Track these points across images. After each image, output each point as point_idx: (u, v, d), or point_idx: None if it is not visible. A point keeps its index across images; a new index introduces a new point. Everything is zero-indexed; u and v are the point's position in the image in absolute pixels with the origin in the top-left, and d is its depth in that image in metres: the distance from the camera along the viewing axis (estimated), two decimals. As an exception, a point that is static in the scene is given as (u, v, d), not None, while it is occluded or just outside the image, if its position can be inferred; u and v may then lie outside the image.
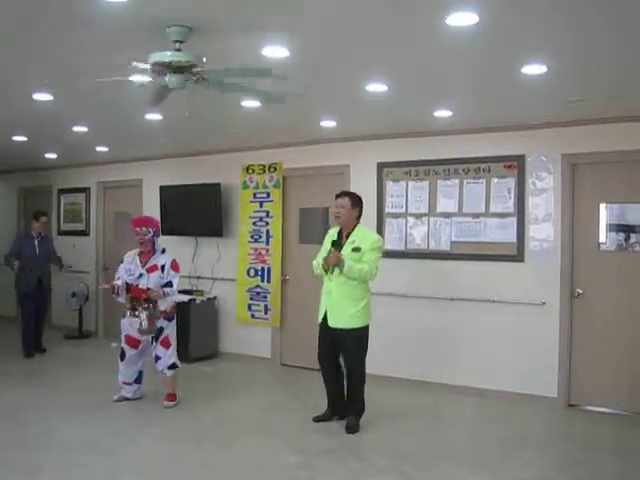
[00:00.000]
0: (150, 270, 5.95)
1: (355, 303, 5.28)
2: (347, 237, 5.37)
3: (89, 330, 9.88)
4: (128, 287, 6.00)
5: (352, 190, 7.20)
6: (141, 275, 5.94)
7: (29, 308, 8.36)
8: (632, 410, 5.89)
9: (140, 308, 5.82)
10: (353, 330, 5.31)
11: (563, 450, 5.07)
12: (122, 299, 6.03)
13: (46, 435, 5.16)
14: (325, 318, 5.39)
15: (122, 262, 6.14)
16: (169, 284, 5.95)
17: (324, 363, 5.58)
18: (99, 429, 5.34)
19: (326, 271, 5.30)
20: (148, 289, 5.85)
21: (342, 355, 5.49)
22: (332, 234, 5.49)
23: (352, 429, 5.36)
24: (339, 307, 5.30)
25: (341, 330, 5.32)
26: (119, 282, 5.99)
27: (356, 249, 5.25)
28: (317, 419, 5.61)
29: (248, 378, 7.47)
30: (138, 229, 5.97)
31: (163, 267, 5.98)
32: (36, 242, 8.50)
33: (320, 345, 5.55)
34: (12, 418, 5.61)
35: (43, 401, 6.13)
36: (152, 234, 6.01)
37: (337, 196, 5.48)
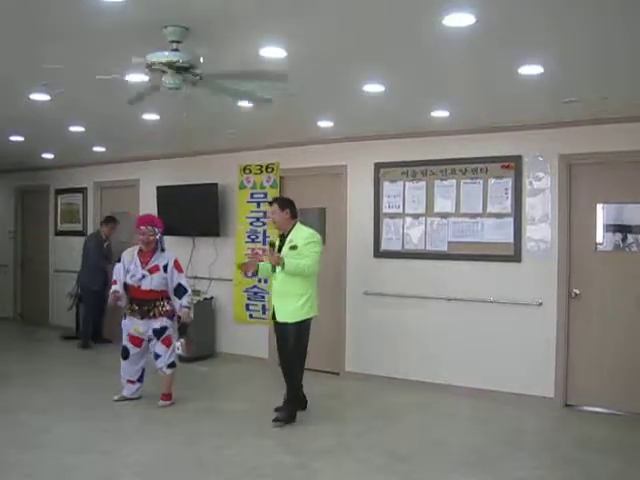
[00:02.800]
0: (152, 271, 5.91)
1: (296, 299, 5.55)
2: (286, 238, 5.67)
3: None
4: (126, 287, 5.99)
5: (349, 191, 7.30)
6: (144, 276, 5.90)
7: (93, 304, 8.89)
8: (629, 410, 5.90)
9: (177, 335, 6.12)
10: (294, 324, 5.55)
11: (559, 450, 5.07)
12: (123, 303, 6.04)
13: (44, 435, 5.15)
14: (274, 314, 5.69)
15: (119, 261, 6.10)
16: (181, 288, 5.94)
17: (280, 358, 5.74)
18: (96, 429, 5.34)
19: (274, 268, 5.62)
20: (180, 317, 5.99)
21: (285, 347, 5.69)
22: (276, 240, 5.85)
23: (277, 420, 5.51)
24: (283, 302, 5.60)
25: (285, 324, 5.58)
26: (118, 287, 5.96)
27: (293, 247, 5.55)
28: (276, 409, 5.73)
29: (245, 378, 7.47)
30: (144, 228, 5.91)
31: (165, 267, 5.94)
32: (105, 245, 9.08)
33: (276, 341, 5.80)
34: (11, 417, 5.61)
35: (41, 401, 6.13)
36: (159, 235, 5.99)
37: (269, 204, 5.84)
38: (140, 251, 6.00)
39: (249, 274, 6.13)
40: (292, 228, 5.66)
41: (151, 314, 5.91)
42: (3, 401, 6.11)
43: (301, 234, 5.62)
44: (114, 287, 6.00)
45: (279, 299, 5.62)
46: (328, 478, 4.49)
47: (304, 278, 5.55)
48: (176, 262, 6.02)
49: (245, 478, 4.45)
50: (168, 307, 5.96)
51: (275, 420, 5.49)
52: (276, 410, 5.67)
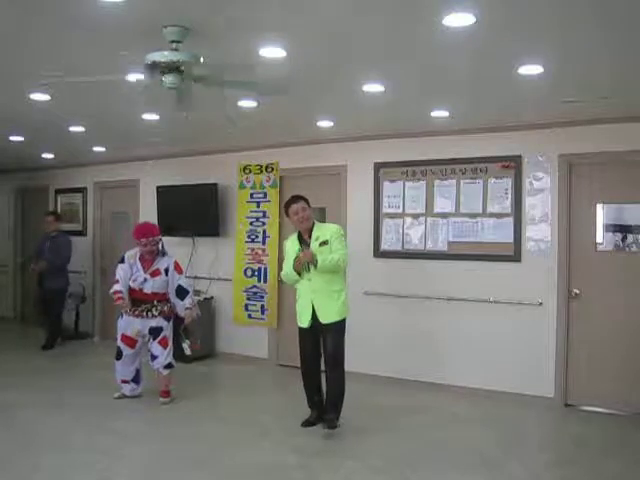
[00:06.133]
0: (154, 274, 6.03)
1: (337, 295, 5.37)
2: (310, 236, 5.44)
3: (85, 331, 9.84)
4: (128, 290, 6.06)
5: (348, 191, 7.30)
6: (145, 280, 6.00)
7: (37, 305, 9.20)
8: (629, 410, 5.90)
9: (182, 336, 6.12)
10: (339, 322, 5.37)
11: (559, 450, 5.09)
12: (125, 304, 5.98)
13: (44, 435, 5.16)
14: (312, 319, 5.36)
15: (122, 262, 6.11)
16: (182, 289, 6.04)
17: (311, 367, 5.54)
18: (97, 429, 5.35)
19: (299, 272, 5.36)
20: (183, 320, 6.06)
21: (326, 349, 5.43)
22: (293, 242, 5.53)
23: (333, 424, 5.31)
24: (325, 302, 5.34)
25: (329, 325, 5.34)
26: (119, 287, 5.92)
27: (323, 243, 5.35)
28: (306, 424, 5.53)
29: (244, 378, 7.47)
30: (145, 240, 5.97)
31: (167, 270, 6.05)
32: (47, 242, 8.97)
33: (305, 349, 5.52)
34: (11, 417, 5.61)
35: (41, 400, 6.13)
36: (160, 240, 6.12)
37: (292, 203, 5.47)
38: (142, 256, 6.07)
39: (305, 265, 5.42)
40: (313, 227, 5.45)
41: (149, 313, 5.99)
42: (3, 401, 6.11)
43: (327, 229, 5.45)
44: (116, 286, 5.96)
45: (320, 299, 5.33)
46: (328, 479, 4.49)
47: (340, 274, 5.43)
48: (176, 264, 6.13)
49: (245, 478, 4.45)
50: (166, 308, 6.07)
51: (330, 428, 5.29)
52: (305, 425, 5.49)
